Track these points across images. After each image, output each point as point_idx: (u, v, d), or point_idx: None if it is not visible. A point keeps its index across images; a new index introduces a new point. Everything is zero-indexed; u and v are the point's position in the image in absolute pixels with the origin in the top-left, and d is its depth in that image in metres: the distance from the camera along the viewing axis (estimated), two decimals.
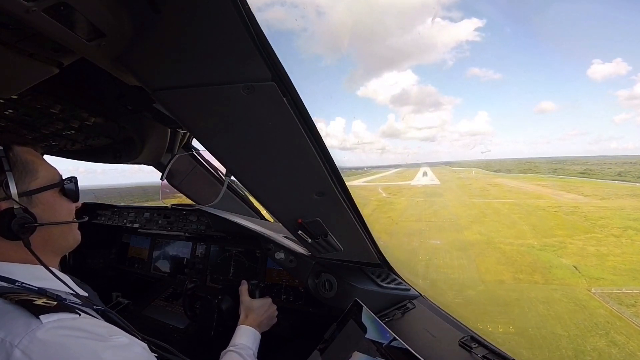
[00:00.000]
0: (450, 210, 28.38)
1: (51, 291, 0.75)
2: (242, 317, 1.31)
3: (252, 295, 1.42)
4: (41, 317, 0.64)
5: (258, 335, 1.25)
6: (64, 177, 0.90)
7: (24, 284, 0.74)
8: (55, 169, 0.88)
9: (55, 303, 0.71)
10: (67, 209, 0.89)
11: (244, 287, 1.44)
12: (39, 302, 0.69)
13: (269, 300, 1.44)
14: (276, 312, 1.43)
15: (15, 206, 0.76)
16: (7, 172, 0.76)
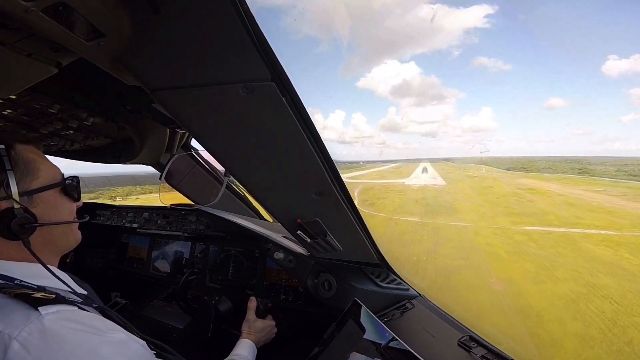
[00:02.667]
0: (487, 276, 9.43)
1: (50, 289, 0.75)
2: (245, 332, 1.35)
3: (258, 313, 1.45)
4: (40, 308, 0.64)
5: (256, 351, 1.30)
6: (65, 176, 0.89)
7: (22, 282, 0.74)
8: (57, 167, 0.88)
9: (54, 296, 0.71)
10: (68, 209, 0.88)
11: (252, 305, 1.46)
12: (37, 295, 0.69)
13: (272, 322, 1.47)
14: (275, 334, 1.47)
15: (15, 206, 0.75)
16: (8, 172, 0.75)
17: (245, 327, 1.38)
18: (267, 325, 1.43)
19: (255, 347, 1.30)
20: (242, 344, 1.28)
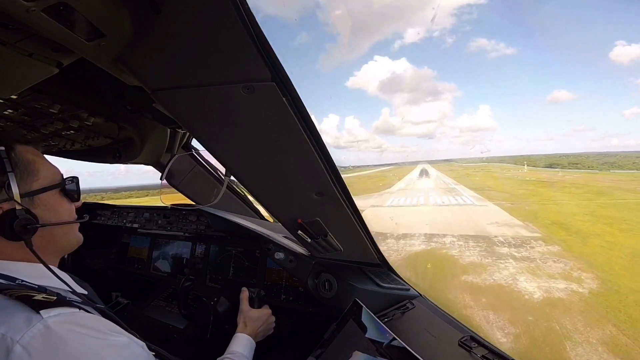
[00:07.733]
0: None
1: (51, 289, 0.76)
2: (240, 326, 1.32)
3: (251, 303, 1.42)
4: (41, 312, 0.64)
5: (254, 345, 1.27)
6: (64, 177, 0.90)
7: (24, 282, 0.74)
8: (56, 168, 0.88)
9: (55, 298, 0.71)
10: (68, 209, 0.89)
11: (244, 295, 1.44)
12: (39, 297, 0.69)
13: (268, 311, 1.44)
14: (274, 324, 1.44)
15: (17, 207, 0.76)
16: (9, 173, 0.76)
17: (239, 320, 1.35)
18: (262, 314, 1.39)
19: (252, 341, 1.26)
20: (236, 340, 1.24)
